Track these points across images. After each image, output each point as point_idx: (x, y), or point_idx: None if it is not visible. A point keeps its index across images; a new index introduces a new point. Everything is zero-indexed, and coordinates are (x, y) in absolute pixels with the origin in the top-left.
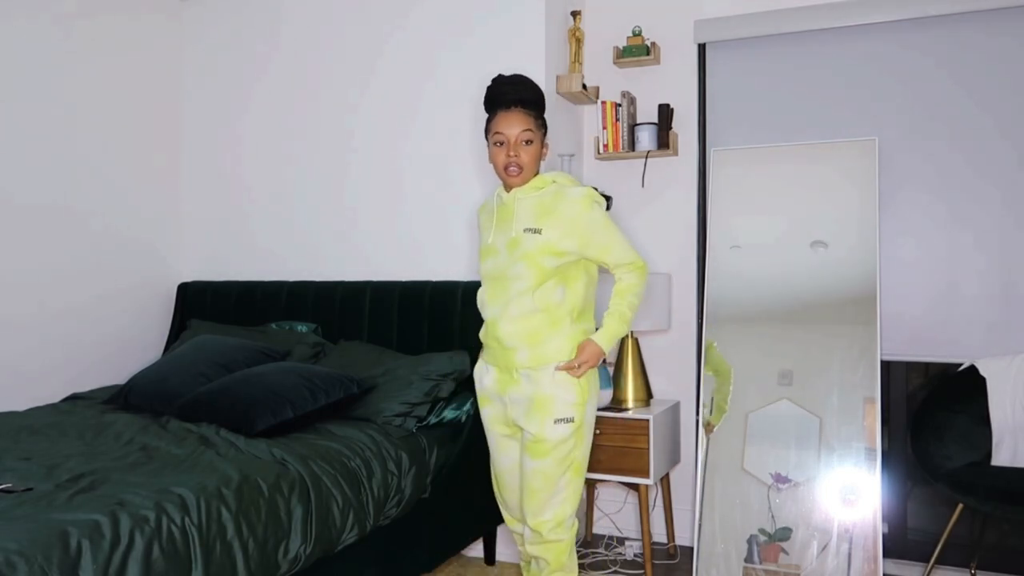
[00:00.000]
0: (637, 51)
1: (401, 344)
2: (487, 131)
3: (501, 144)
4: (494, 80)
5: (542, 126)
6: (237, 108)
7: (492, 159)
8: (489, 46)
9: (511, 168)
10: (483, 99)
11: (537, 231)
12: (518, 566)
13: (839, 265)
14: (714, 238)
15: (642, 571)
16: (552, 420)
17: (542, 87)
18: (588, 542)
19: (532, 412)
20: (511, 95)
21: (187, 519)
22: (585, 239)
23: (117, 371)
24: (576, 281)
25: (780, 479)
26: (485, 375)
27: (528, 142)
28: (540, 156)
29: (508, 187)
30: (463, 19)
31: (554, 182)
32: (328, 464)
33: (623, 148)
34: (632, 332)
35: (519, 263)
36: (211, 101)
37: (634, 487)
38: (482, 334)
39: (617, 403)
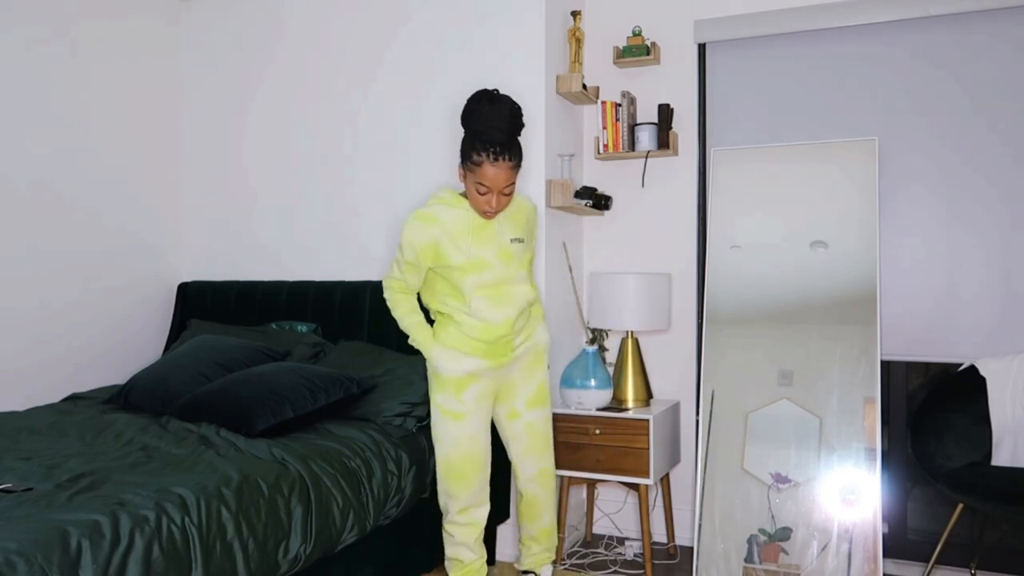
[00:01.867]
0: (637, 51)
1: (401, 344)
2: (466, 159)
3: (483, 193)
4: (478, 109)
5: (520, 163)
6: (237, 108)
7: (469, 195)
8: (489, 46)
9: (488, 213)
10: (462, 116)
11: (520, 240)
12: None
13: (839, 265)
14: (714, 238)
15: (642, 571)
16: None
17: (542, 87)
18: (588, 542)
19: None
20: (498, 138)
21: (187, 519)
22: (534, 243)
23: (117, 371)
24: None
25: (780, 479)
26: (469, 362)
27: (509, 192)
28: None
29: None
30: (463, 20)
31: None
32: (328, 464)
33: (623, 148)
34: (632, 332)
35: (520, 270)
36: (211, 101)
37: (634, 487)
38: (475, 336)
39: (617, 403)
